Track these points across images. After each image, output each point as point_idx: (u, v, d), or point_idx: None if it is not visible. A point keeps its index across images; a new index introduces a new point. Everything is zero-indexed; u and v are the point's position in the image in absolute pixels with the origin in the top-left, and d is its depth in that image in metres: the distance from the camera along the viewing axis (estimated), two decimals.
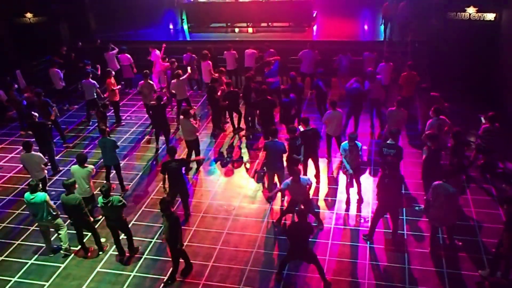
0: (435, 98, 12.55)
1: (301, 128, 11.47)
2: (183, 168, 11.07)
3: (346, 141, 10.64)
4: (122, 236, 9.98)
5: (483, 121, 11.60)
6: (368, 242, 9.86)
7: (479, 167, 11.88)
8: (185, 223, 10.87)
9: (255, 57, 16.60)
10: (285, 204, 11.16)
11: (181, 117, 12.42)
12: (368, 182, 11.86)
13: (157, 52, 17.63)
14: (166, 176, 10.60)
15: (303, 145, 11.37)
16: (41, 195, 9.61)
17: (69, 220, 10.11)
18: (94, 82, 15.51)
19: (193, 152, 12.79)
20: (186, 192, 10.98)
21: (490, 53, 15.79)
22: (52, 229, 10.15)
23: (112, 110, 15.81)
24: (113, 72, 15.84)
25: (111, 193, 9.48)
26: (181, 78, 15.04)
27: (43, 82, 18.25)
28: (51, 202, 9.83)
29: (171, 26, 23.68)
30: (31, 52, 19.81)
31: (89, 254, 10.10)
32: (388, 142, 10.69)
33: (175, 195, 10.88)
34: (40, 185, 10.13)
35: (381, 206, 9.62)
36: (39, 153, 11.60)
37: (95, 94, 15.52)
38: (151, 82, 15.16)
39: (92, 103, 15.49)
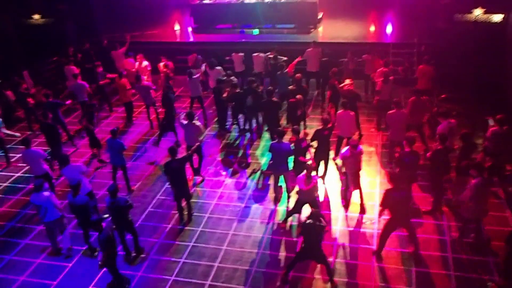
0: (422, 102, 12.59)
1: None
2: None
3: (347, 148, 10.60)
4: (128, 236, 10.01)
5: (491, 123, 11.54)
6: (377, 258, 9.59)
7: (487, 169, 11.79)
8: (189, 224, 10.92)
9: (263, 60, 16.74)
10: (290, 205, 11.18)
11: (185, 121, 12.25)
12: (374, 183, 11.83)
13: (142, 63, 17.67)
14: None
15: (317, 145, 11.42)
16: (45, 195, 9.64)
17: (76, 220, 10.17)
18: (84, 82, 15.65)
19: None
20: (189, 193, 10.95)
21: (497, 55, 15.72)
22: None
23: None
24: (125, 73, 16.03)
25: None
26: (193, 77, 15.27)
27: (50, 82, 18.35)
28: (56, 202, 9.85)
29: (177, 27, 23.67)
30: (39, 52, 19.89)
31: (95, 253, 10.12)
32: (407, 151, 10.50)
33: (180, 198, 10.87)
34: (46, 184, 10.17)
35: (394, 219, 9.23)
36: (38, 149, 11.66)
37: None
38: (145, 83, 15.34)
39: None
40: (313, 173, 10.05)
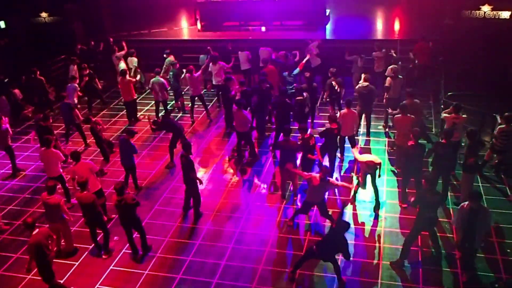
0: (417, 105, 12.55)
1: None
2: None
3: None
4: (136, 234, 10.04)
5: (499, 121, 11.48)
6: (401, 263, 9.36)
7: (494, 167, 11.76)
8: (194, 222, 10.99)
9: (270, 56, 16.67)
10: (298, 203, 11.17)
11: (235, 108, 12.77)
12: (380, 182, 11.78)
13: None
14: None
15: (325, 141, 11.45)
16: (56, 198, 9.63)
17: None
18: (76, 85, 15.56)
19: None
20: (194, 192, 10.94)
21: (505, 52, 15.61)
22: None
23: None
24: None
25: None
26: (195, 74, 15.16)
27: (59, 81, 18.42)
28: (65, 207, 9.85)
29: (184, 26, 23.70)
30: (47, 51, 19.97)
31: (102, 252, 10.15)
32: (412, 143, 10.41)
33: (189, 197, 10.99)
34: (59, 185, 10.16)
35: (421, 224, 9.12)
36: (57, 150, 11.70)
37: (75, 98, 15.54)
38: (161, 79, 15.29)
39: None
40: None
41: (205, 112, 16.05)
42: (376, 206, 10.79)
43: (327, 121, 11.92)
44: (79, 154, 10.77)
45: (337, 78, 14.28)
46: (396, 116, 11.86)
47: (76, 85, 15.49)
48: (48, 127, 12.99)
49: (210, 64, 16.08)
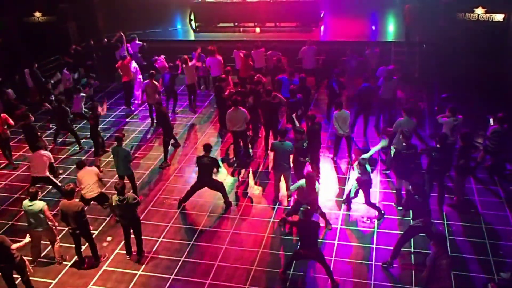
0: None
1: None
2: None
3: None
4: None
5: (492, 122, 11.53)
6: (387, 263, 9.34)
7: (487, 168, 11.81)
8: (226, 211, 11.19)
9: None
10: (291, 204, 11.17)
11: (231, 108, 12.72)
12: (374, 183, 11.81)
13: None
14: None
15: (309, 141, 11.42)
16: (39, 204, 9.40)
17: (66, 229, 10.00)
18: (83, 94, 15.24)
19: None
20: (215, 184, 11.21)
21: (499, 54, 15.70)
22: (47, 241, 9.95)
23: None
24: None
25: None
26: (189, 64, 15.79)
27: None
28: (49, 213, 9.58)
29: (179, 26, 23.69)
30: (40, 51, 19.87)
31: (85, 265, 9.82)
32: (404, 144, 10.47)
33: (201, 187, 11.22)
34: (40, 192, 9.96)
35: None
36: (48, 153, 11.66)
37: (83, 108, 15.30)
38: (155, 82, 15.25)
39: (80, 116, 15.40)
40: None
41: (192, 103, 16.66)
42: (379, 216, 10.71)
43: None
44: (83, 162, 10.89)
45: (339, 80, 14.35)
46: (399, 119, 11.80)
47: (83, 95, 15.15)
48: (29, 125, 13.02)
49: (207, 59, 16.33)
